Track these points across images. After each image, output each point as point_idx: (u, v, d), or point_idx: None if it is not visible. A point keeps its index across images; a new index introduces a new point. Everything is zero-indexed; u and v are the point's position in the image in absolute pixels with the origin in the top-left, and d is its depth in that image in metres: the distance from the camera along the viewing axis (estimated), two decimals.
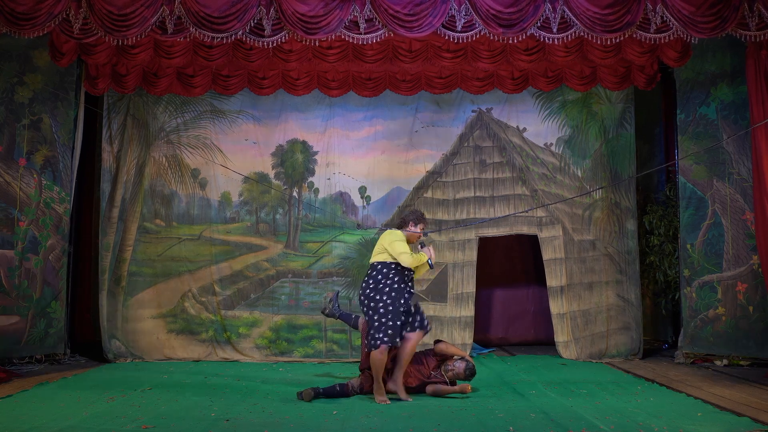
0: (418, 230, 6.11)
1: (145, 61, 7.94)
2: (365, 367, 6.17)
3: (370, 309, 5.83)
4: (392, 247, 5.84)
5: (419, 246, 6.13)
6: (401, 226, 6.16)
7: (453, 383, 6.18)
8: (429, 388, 6.14)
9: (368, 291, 5.85)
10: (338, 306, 6.67)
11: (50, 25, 6.43)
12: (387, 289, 5.83)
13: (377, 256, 5.96)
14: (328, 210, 8.63)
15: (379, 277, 5.89)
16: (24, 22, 6.35)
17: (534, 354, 8.80)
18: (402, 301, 5.82)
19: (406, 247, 5.85)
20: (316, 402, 5.80)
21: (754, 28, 6.44)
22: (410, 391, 6.16)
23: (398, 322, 5.76)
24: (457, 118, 8.76)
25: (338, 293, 6.88)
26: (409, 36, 6.80)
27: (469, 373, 6.21)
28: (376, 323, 5.76)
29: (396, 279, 5.87)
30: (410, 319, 5.88)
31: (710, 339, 7.93)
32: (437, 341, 6.44)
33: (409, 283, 5.96)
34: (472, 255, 8.55)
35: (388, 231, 6.09)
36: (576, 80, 8.34)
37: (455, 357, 6.33)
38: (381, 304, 5.79)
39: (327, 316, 6.72)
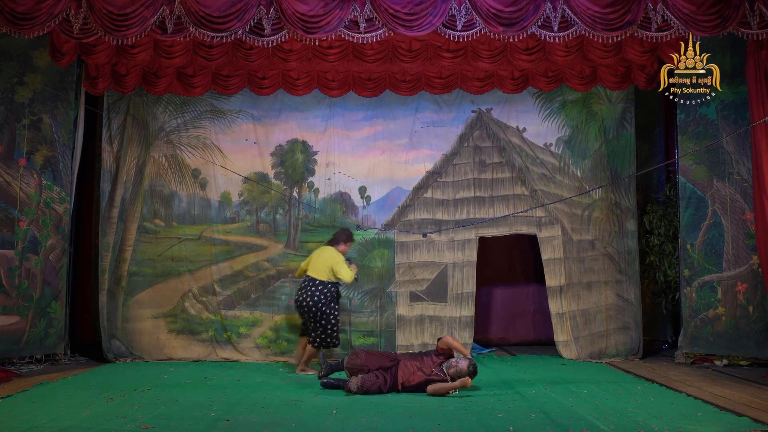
0: (346, 248, 7.45)
1: (145, 61, 7.94)
2: (357, 369, 6.31)
3: (322, 318, 7.11)
4: (338, 269, 7.15)
5: (348, 262, 7.35)
6: (334, 243, 7.43)
7: (454, 381, 6.18)
8: (429, 388, 6.14)
9: (321, 306, 7.11)
10: (327, 362, 6.64)
11: (50, 25, 6.44)
12: (333, 304, 7.20)
13: (327, 276, 7.19)
14: (328, 210, 8.63)
15: (328, 294, 7.18)
16: (24, 22, 6.36)
17: (534, 354, 8.80)
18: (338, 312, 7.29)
19: (347, 268, 7.20)
20: (316, 402, 5.80)
21: (755, 27, 6.45)
22: (412, 389, 6.21)
23: (337, 329, 7.26)
24: (457, 118, 8.75)
25: (323, 354, 6.92)
26: (409, 35, 6.81)
27: (472, 371, 6.23)
28: (329, 330, 7.14)
29: (336, 295, 7.28)
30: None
31: (710, 339, 7.93)
32: (440, 339, 6.49)
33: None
34: (472, 255, 8.55)
35: (329, 250, 7.35)
36: (576, 80, 8.34)
37: (457, 356, 6.36)
38: (332, 317, 7.16)
39: (325, 375, 6.55)
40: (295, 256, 8.59)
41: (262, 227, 8.66)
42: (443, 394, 6.12)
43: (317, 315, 7.13)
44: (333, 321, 7.19)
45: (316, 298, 7.15)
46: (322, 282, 7.21)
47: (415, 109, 8.75)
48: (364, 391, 6.14)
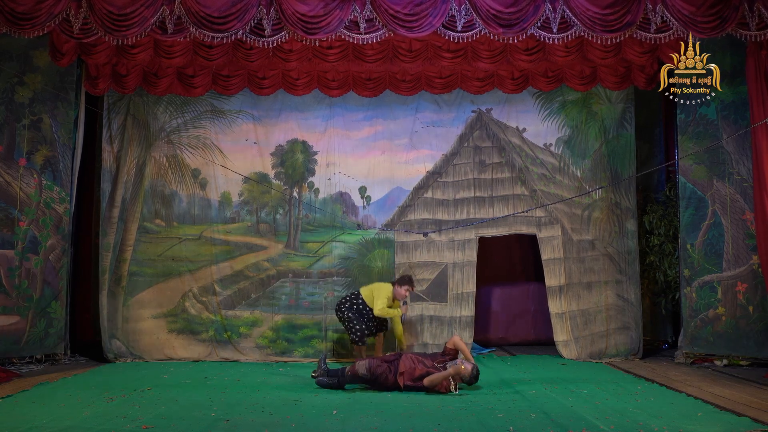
0: (403, 291, 7.66)
1: (145, 61, 7.94)
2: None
3: (344, 319, 7.73)
4: (376, 300, 7.62)
5: (402, 303, 7.74)
6: (394, 283, 7.75)
7: (454, 378, 6.21)
8: (426, 380, 6.16)
9: (344, 309, 7.72)
10: (326, 367, 6.64)
11: (50, 25, 6.44)
12: (352, 311, 7.70)
13: (366, 296, 7.72)
14: (329, 210, 8.63)
15: (353, 305, 7.74)
16: (24, 22, 6.37)
17: (534, 354, 8.80)
18: (366, 322, 7.72)
19: (384, 304, 7.58)
20: (316, 402, 5.80)
21: (754, 28, 6.45)
22: (412, 383, 6.25)
23: (362, 325, 7.69)
24: (457, 118, 8.75)
25: (324, 356, 6.86)
26: (409, 36, 6.81)
27: (475, 374, 6.32)
28: (349, 328, 7.70)
29: (365, 312, 7.72)
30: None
31: (710, 339, 7.93)
32: (450, 339, 6.67)
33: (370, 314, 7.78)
34: (472, 255, 8.55)
35: (385, 286, 7.74)
36: (576, 80, 8.34)
37: (462, 358, 6.40)
38: (347, 321, 7.68)
39: (319, 376, 6.58)
40: (295, 255, 8.60)
41: (262, 227, 8.66)
42: (439, 384, 6.14)
43: (338, 314, 7.78)
44: (348, 324, 7.67)
45: (341, 301, 7.81)
46: (358, 295, 7.78)
47: (415, 109, 8.75)
48: (371, 372, 6.21)
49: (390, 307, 7.68)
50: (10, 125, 7.64)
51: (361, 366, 6.27)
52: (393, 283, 7.76)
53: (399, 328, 7.89)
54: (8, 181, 7.58)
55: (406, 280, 7.74)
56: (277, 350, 8.37)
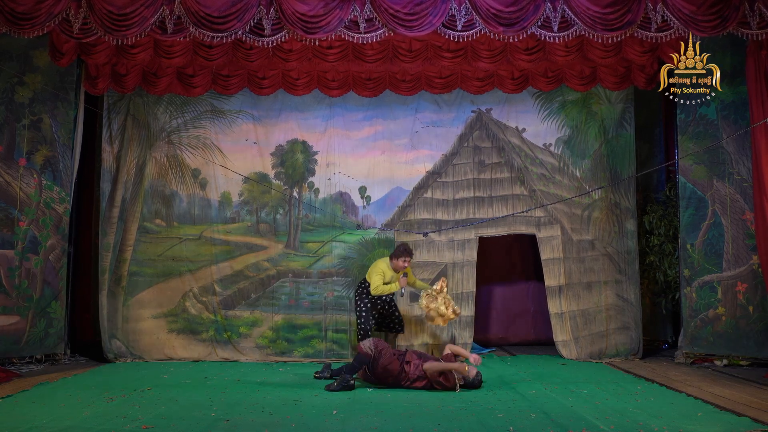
0: (401, 263, 7.49)
1: (145, 61, 7.94)
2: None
3: (355, 310, 7.72)
4: (371, 276, 7.55)
5: (402, 275, 7.54)
6: (390, 256, 7.60)
7: (455, 387, 6.22)
8: (427, 364, 6.20)
9: (356, 298, 7.71)
10: (329, 367, 6.73)
11: (50, 25, 6.44)
12: (362, 298, 7.65)
13: (368, 277, 7.62)
14: (329, 210, 8.63)
15: (361, 291, 7.67)
16: (24, 22, 6.37)
17: (534, 354, 8.80)
18: (373, 312, 7.67)
19: (379, 281, 7.43)
20: (316, 402, 5.81)
21: (755, 27, 6.45)
22: (418, 376, 6.30)
23: (369, 325, 7.58)
24: (457, 118, 8.75)
25: (330, 365, 6.93)
26: (409, 35, 6.82)
27: (479, 380, 6.34)
28: (359, 321, 7.57)
29: (372, 300, 7.66)
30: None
31: (710, 339, 7.93)
32: (444, 354, 6.68)
33: (378, 302, 7.75)
34: (471, 255, 8.55)
35: (380, 261, 7.61)
36: (576, 80, 8.34)
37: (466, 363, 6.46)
38: (358, 310, 7.62)
39: (320, 379, 6.70)
40: (295, 255, 8.59)
41: (262, 227, 8.66)
42: (441, 373, 6.19)
43: (354, 304, 7.81)
44: (358, 319, 7.62)
45: (356, 288, 7.81)
46: (365, 280, 7.70)
47: (415, 109, 8.75)
48: (375, 348, 6.29)
49: (388, 282, 7.48)
50: (10, 125, 7.64)
51: (366, 342, 6.34)
52: (390, 257, 7.61)
53: (418, 284, 7.75)
54: (8, 181, 7.58)
55: (402, 251, 7.50)
56: (277, 350, 8.37)
